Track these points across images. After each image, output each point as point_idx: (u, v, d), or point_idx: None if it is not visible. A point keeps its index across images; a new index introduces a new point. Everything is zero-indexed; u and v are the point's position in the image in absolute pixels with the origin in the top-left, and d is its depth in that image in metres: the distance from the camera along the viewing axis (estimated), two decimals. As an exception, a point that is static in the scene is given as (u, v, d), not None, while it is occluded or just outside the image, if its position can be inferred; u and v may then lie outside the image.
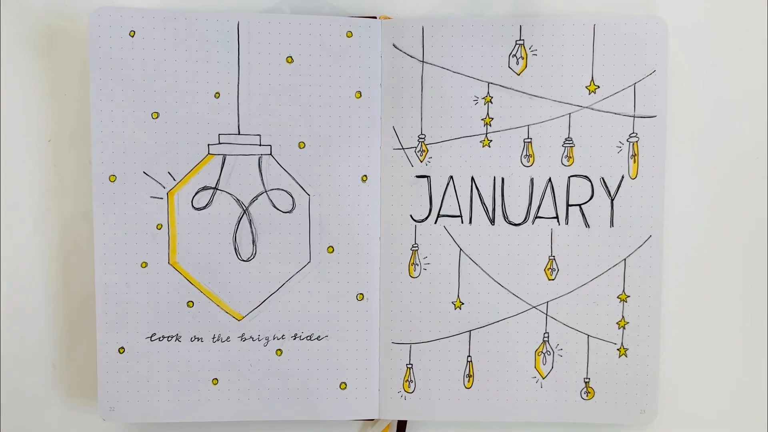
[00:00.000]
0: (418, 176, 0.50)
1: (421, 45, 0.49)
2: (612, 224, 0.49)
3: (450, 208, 0.50)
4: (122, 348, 0.49)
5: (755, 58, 0.51)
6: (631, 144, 0.49)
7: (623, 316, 0.50)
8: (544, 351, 0.50)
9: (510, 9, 0.50)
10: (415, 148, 0.50)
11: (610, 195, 0.49)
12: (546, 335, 0.50)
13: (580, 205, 0.50)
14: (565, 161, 0.49)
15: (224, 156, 0.49)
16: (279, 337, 0.50)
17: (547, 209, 0.50)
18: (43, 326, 0.52)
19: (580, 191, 0.50)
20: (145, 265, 0.49)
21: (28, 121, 0.51)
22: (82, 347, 0.51)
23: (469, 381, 0.50)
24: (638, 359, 0.50)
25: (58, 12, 0.50)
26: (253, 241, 0.49)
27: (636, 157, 0.49)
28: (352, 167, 0.49)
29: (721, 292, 0.52)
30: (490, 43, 0.49)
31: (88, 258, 0.50)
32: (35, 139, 0.51)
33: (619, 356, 0.50)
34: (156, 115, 0.48)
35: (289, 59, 0.49)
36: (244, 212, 0.49)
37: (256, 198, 0.49)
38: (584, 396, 0.50)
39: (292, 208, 0.49)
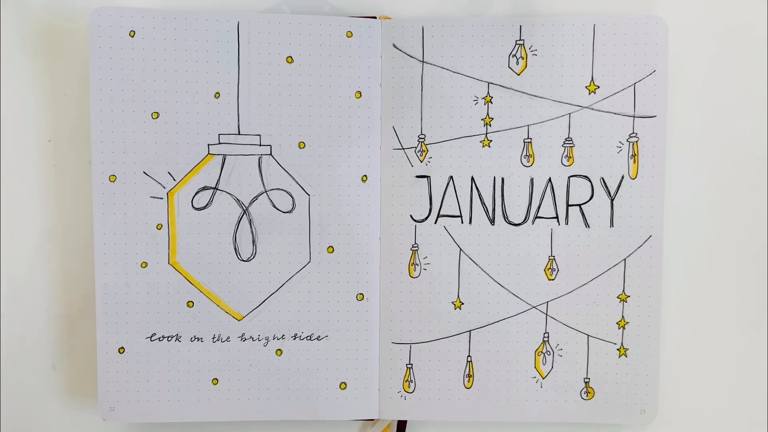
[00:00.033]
0: (418, 176, 0.50)
1: (421, 45, 0.49)
2: (612, 224, 0.49)
3: (450, 208, 0.50)
4: (122, 348, 0.49)
5: (755, 58, 0.51)
6: (631, 144, 0.49)
7: (623, 316, 0.50)
8: (544, 351, 0.50)
9: (510, 9, 0.50)
10: (415, 148, 0.50)
11: (610, 195, 0.49)
12: (546, 335, 0.50)
13: (580, 205, 0.50)
14: (565, 161, 0.49)
15: (224, 156, 0.49)
16: (279, 337, 0.50)
17: (547, 209, 0.50)
18: (43, 326, 0.52)
19: (580, 191, 0.50)
20: (145, 265, 0.49)
21: (28, 121, 0.51)
22: (82, 347, 0.51)
23: (469, 381, 0.50)
24: (638, 359, 0.50)
25: (58, 12, 0.50)
26: (253, 241, 0.49)
27: (636, 157, 0.49)
28: (352, 167, 0.49)
29: (721, 292, 0.52)
30: (490, 43, 0.49)
31: (88, 258, 0.50)
32: (35, 139, 0.51)
33: (619, 356, 0.50)
34: (156, 115, 0.48)
35: (289, 59, 0.49)
36: (244, 212, 0.49)
37: (256, 198, 0.49)
38: (584, 396, 0.50)
39: (292, 208, 0.49)
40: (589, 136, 0.49)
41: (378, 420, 0.51)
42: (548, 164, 0.49)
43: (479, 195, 0.50)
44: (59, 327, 0.52)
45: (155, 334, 0.49)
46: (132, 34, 0.48)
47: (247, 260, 0.49)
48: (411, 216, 0.50)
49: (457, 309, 0.50)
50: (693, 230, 0.51)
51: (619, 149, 0.49)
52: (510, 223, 0.50)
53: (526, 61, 0.49)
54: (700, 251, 0.52)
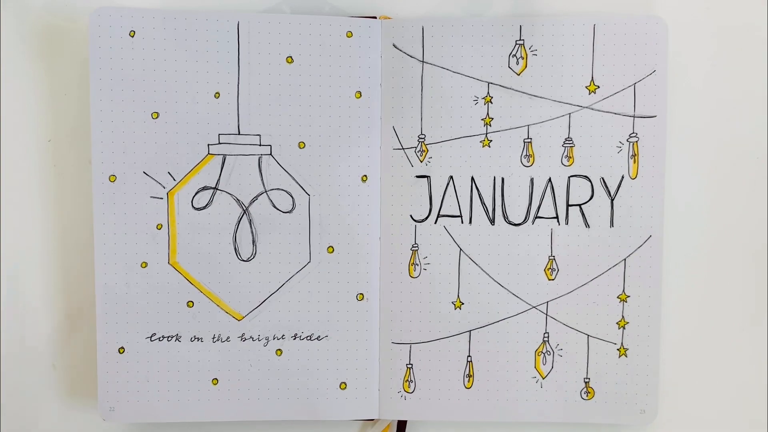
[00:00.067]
0: (418, 176, 0.50)
1: (421, 45, 0.49)
2: (612, 224, 0.49)
3: (450, 208, 0.50)
4: (122, 348, 0.49)
5: (755, 58, 0.51)
6: (631, 144, 0.49)
7: (623, 316, 0.50)
8: (544, 351, 0.50)
9: (510, 9, 0.50)
10: (415, 148, 0.50)
11: (610, 195, 0.49)
12: (546, 335, 0.50)
13: (580, 205, 0.50)
14: (565, 161, 0.49)
15: (224, 156, 0.49)
16: (279, 337, 0.50)
17: (547, 209, 0.50)
18: (43, 326, 0.52)
19: (580, 191, 0.50)
20: (145, 265, 0.49)
21: (28, 121, 0.51)
22: (82, 347, 0.51)
23: (469, 381, 0.50)
24: (638, 359, 0.50)
25: (58, 12, 0.50)
26: (253, 241, 0.49)
27: (636, 157, 0.49)
28: (352, 167, 0.49)
29: (721, 292, 0.52)
30: (490, 43, 0.49)
31: (88, 258, 0.49)
32: (35, 139, 0.51)
33: (619, 356, 0.50)
34: (156, 115, 0.48)
35: (289, 59, 0.49)
36: (244, 212, 0.49)
37: (256, 198, 0.49)
38: (584, 396, 0.50)
39: (292, 208, 0.49)
40: (589, 136, 0.49)
41: (378, 420, 0.51)
42: (548, 164, 0.49)
43: (479, 195, 0.50)
44: (59, 327, 0.52)
45: (155, 334, 0.49)
46: (132, 34, 0.48)
47: (247, 260, 0.49)
48: (411, 216, 0.50)
49: (457, 309, 0.50)
50: (693, 230, 0.51)
51: (619, 149, 0.49)
52: (510, 223, 0.50)
53: (526, 61, 0.49)
54: (700, 251, 0.52)
